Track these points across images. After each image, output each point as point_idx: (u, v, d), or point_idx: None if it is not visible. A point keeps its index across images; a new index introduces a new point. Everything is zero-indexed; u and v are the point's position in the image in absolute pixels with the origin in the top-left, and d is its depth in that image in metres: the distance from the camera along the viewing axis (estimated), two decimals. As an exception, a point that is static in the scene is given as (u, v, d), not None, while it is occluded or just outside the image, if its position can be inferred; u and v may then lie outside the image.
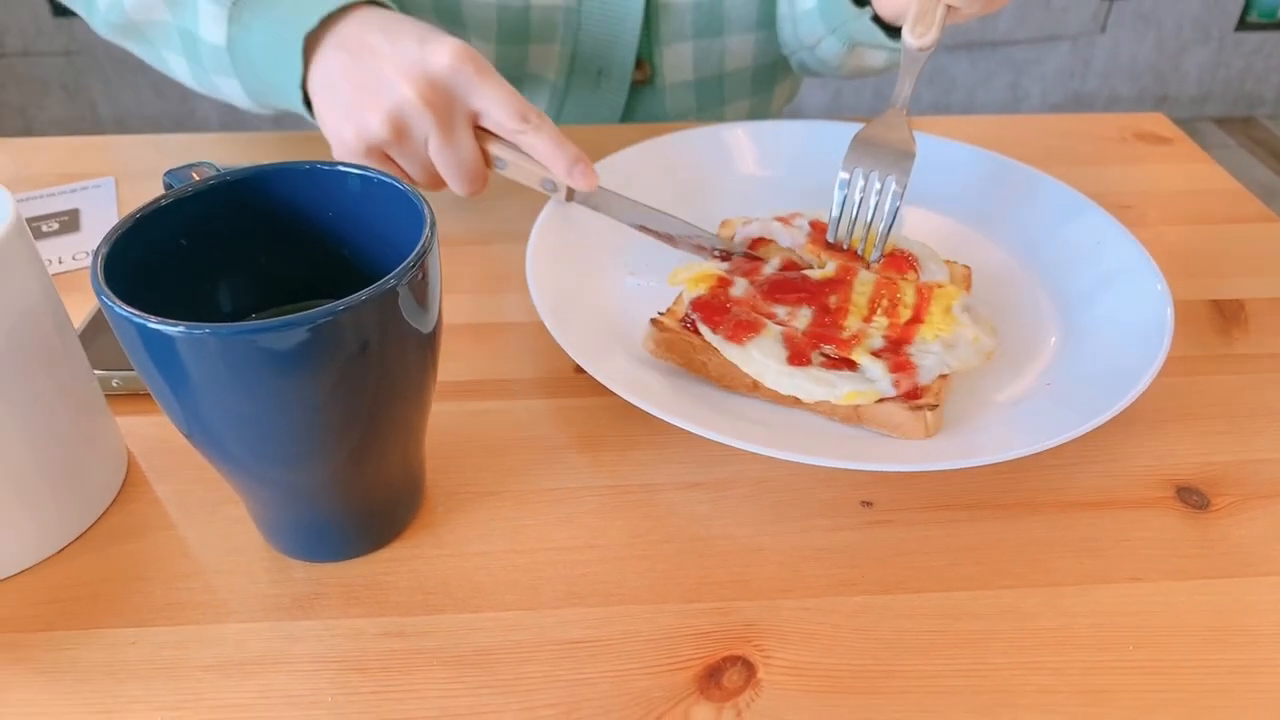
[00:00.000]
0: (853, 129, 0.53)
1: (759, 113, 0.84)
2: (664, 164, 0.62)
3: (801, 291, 0.49)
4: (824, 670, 0.36)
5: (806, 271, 0.51)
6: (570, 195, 0.54)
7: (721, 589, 0.39)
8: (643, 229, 0.55)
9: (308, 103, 0.55)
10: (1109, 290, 0.52)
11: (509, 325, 0.53)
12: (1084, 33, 2.42)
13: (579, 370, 0.50)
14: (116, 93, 2.28)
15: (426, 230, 0.34)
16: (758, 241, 0.55)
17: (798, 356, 0.45)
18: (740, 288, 0.50)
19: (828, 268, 0.51)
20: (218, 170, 0.39)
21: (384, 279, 0.32)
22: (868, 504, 0.43)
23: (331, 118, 0.53)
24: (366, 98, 0.51)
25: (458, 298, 0.55)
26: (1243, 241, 0.62)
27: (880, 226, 0.52)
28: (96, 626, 0.37)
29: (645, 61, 0.76)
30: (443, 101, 0.51)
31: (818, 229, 0.54)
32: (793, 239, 0.54)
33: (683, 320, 0.48)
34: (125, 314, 0.31)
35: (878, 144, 0.52)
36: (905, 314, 0.48)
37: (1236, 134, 2.54)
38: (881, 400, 0.44)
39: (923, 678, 0.36)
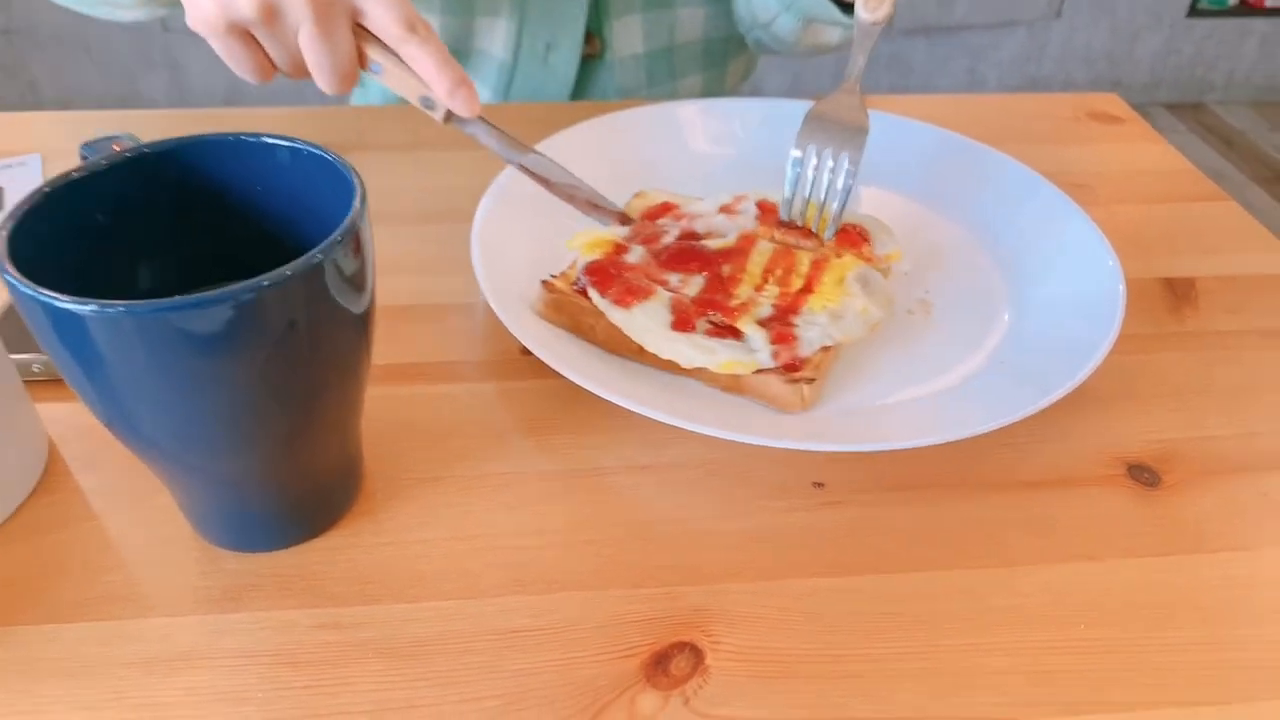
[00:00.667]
0: (806, 107, 0.52)
1: (712, 90, 0.83)
2: (612, 142, 0.61)
3: (697, 260, 0.49)
4: (773, 655, 0.35)
5: (705, 242, 0.50)
6: (448, 118, 0.50)
7: (669, 574, 0.38)
8: (522, 169, 0.53)
9: None
10: (1061, 267, 0.52)
11: (452, 306, 0.52)
12: (1040, 18, 2.44)
13: (525, 352, 0.48)
14: (58, 72, 2.21)
15: (356, 202, 0.33)
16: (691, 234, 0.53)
17: (682, 323, 0.45)
18: (636, 255, 0.49)
19: (728, 238, 0.51)
20: (138, 143, 0.37)
21: (310, 253, 0.30)
22: (820, 485, 0.42)
23: None
24: None
25: (399, 278, 0.53)
26: (1194, 220, 0.62)
27: (834, 204, 0.51)
28: (11, 624, 0.35)
29: (594, 35, 0.75)
30: None
31: (765, 209, 0.53)
32: (740, 227, 0.52)
33: (574, 284, 0.48)
34: (30, 293, 0.29)
35: (830, 120, 0.51)
36: (798, 283, 0.48)
37: (1187, 119, 2.58)
38: (760, 371, 0.44)
39: (874, 661, 0.35)
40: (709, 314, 0.46)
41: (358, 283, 0.33)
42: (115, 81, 2.24)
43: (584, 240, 0.50)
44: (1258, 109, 2.63)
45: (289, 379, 0.33)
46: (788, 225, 0.52)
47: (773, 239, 0.52)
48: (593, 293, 0.46)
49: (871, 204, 0.59)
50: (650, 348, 0.45)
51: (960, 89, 2.51)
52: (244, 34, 0.47)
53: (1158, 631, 0.36)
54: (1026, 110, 0.75)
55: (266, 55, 0.49)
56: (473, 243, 0.50)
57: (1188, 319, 0.53)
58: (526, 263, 0.51)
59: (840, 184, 0.51)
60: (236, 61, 0.48)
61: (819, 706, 0.33)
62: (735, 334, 0.45)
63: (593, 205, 0.54)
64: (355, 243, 0.32)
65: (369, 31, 0.48)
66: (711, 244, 0.50)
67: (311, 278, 0.31)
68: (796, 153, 0.51)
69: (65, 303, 0.29)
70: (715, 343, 0.44)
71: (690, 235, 0.51)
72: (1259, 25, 2.52)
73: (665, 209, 0.54)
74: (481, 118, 0.50)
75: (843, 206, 0.51)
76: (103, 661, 0.34)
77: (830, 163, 0.51)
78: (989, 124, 0.71)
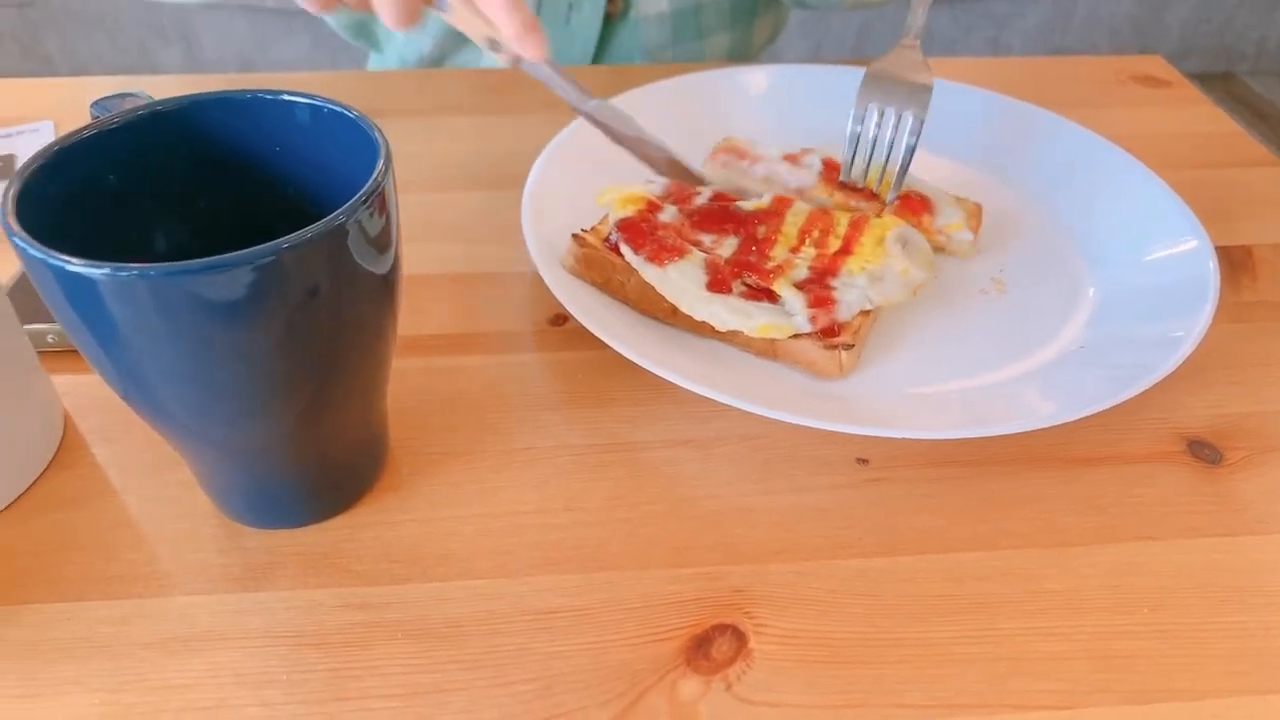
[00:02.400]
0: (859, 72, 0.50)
1: (738, 49, 0.80)
2: (667, 109, 0.58)
3: (731, 221, 0.47)
4: (820, 639, 0.33)
5: (739, 204, 0.49)
6: (515, 62, 0.48)
7: (710, 553, 0.36)
8: (590, 118, 0.51)
9: None
10: (1144, 245, 0.49)
11: (478, 276, 0.50)
12: (1066, -15, 2.38)
13: (555, 322, 0.47)
14: (73, 46, 2.20)
15: (381, 163, 0.31)
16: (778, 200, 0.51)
17: (718, 284, 0.43)
18: (669, 214, 0.47)
19: (762, 199, 0.49)
20: (150, 100, 0.35)
21: (333, 215, 0.29)
22: (864, 461, 0.40)
23: None
24: None
25: (426, 246, 0.52)
26: (1248, 187, 0.60)
27: (897, 165, 0.49)
28: (25, 602, 0.34)
29: None
30: None
31: (830, 166, 0.51)
32: (801, 180, 0.51)
33: (605, 239, 0.46)
34: (41, 256, 0.27)
35: (891, 78, 0.49)
36: (835, 244, 0.46)
37: (1216, 90, 2.52)
38: (797, 336, 0.42)
39: (927, 645, 0.33)
40: (744, 276, 0.44)
41: (382, 246, 0.31)
42: (129, 55, 2.22)
43: (615, 195, 0.48)
44: (1289, 79, 2.57)
45: (311, 347, 0.31)
46: (848, 187, 0.51)
47: (831, 198, 0.50)
48: (625, 249, 0.44)
49: (935, 173, 0.56)
50: (684, 308, 0.43)
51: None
52: None
53: (1225, 616, 0.35)
54: (1066, 74, 0.73)
55: None
56: (523, 205, 0.48)
57: (1245, 289, 0.51)
58: (571, 228, 0.49)
59: (904, 143, 0.48)
60: None
61: (872, 694, 0.32)
62: (771, 297, 0.43)
63: (665, 160, 0.51)
64: (380, 204, 0.30)
65: None
66: (745, 205, 0.48)
67: (334, 240, 0.29)
68: (858, 111, 0.49)
69: (77, 266, 0.27)
70: (751, 305, 0.42)
71: (721, 197, 0.49)
72: (1293, -8, 2.46)
73: (732, 149, 0.52)
74: (549, 62, 0.48)
75: (906, 167, 0.49)
76: (121, 642, 0.33)
77: (893, 120, 0.49)
78: (1026, 88, 0.68)
